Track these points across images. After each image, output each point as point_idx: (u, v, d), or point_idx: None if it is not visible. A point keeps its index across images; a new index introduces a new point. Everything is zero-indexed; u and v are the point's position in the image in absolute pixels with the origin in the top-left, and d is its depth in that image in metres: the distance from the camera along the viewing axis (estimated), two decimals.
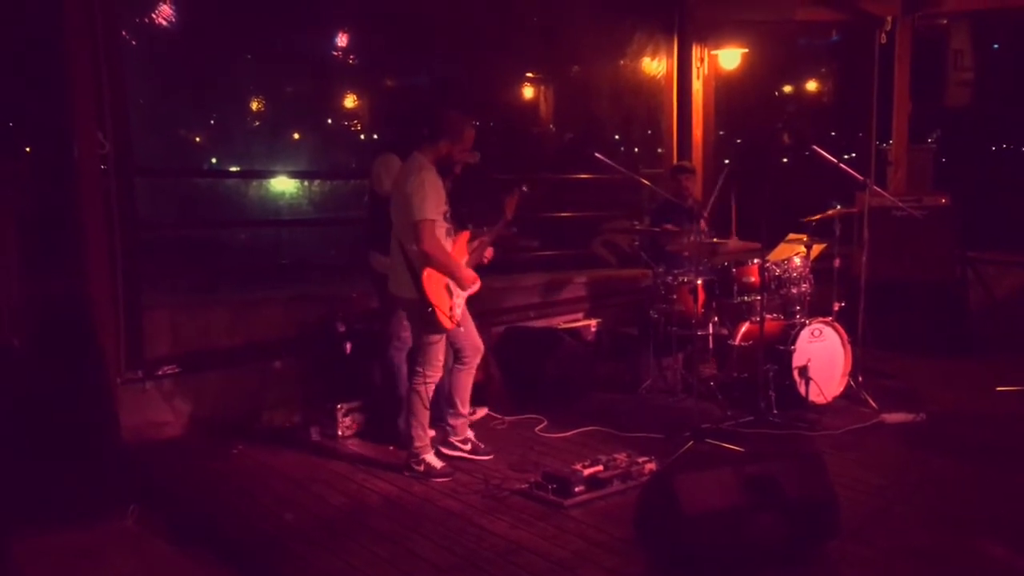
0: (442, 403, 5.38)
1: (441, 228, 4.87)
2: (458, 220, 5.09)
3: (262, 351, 6.09)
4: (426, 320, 4.84)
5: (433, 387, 5.02)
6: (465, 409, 5.28)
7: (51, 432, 4.47)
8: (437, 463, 4.98)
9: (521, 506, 4.53)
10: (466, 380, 5.24)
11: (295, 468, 5.20)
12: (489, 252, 5.29)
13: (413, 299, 4.85)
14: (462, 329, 5.09)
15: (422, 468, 4.95)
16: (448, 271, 4.85)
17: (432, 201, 4.74)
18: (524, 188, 5.33)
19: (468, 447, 5.29)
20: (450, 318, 4.89)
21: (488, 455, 5.25)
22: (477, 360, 5.24)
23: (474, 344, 5.20)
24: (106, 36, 5.23)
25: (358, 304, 6.32)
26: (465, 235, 5.13)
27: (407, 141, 5.22)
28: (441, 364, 5.01)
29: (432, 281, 4.80)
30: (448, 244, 4.93)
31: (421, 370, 4.96)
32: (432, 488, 4.81)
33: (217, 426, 5.85)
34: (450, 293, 4.91)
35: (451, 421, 5.28)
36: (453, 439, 5.27)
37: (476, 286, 5.09)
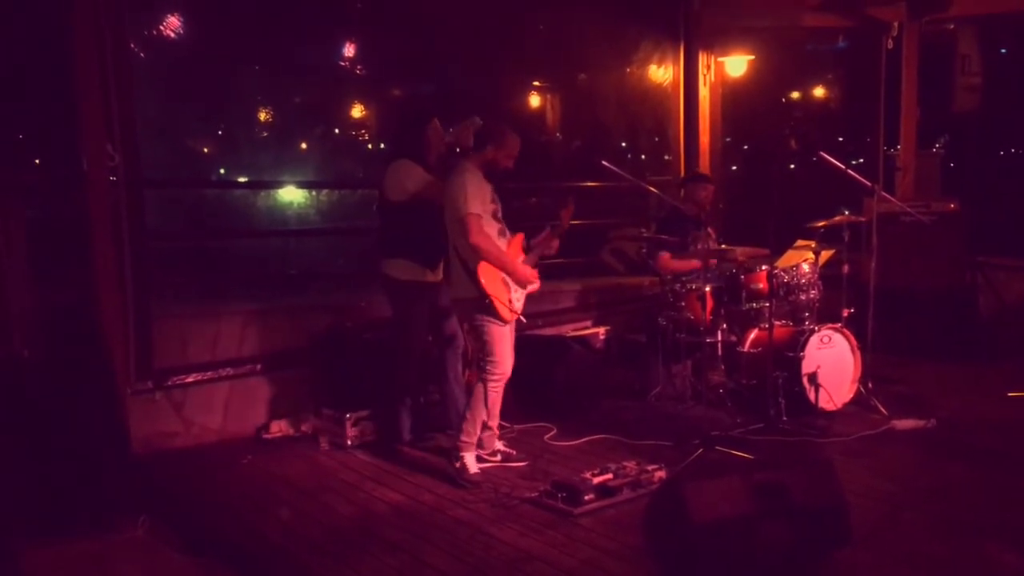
0: (452, 415, 5.41)
1: (492, 227, 4.95)
2: (510, 225, 5.16)
3: (270, 360, 6.11)
4: (487, 313, 4.90)
5: (503, 387, 5.06)
6: (493, 422, 5.30)
7: (61, 442, 4.48)
8: (472, 467, 5.01)
9: (531, 515, 4.53)
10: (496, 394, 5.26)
11: (304, 477, 5.20)
12: (555, 245, 5.31)
13: (472, 296, 4.91)
14: (523, 320, 5.15)
15: (458, 464, 5.00)
16: (500, 263, 4.92)
17: (476, 197, 4.84)
18: (572, 198, 5.40)
19: (498, 458, 5.32)
20: (510, 309, 4.97)
21: (522, 461, 5.29)
22: (508, 373, 5.24)
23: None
24: (115, 49, 5.27)
25: (367, 313, 6.33)
26: (520, 237, 5.20)
27: (415, 147, 5.26)
28: (508, 362, 5.04)
29: (487, 274, 4.87)
30: (502, 243, 5.00)
31: (490, 368, 4.99)
32: (441, 497, 4.81)
33: (226, 436, 5.87)
34: (508, 286, 4.98)
35: (481, 435, 5.29)
36: (482, 452, 5.29)
37: (535, 285, 5.17)
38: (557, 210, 5.31)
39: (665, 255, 6.46)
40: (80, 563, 4.04)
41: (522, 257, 5.16)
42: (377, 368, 5.84)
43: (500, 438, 5.45)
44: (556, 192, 9.15)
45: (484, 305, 4.88)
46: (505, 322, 4.99)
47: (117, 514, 4.38)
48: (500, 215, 5.07)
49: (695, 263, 6.25)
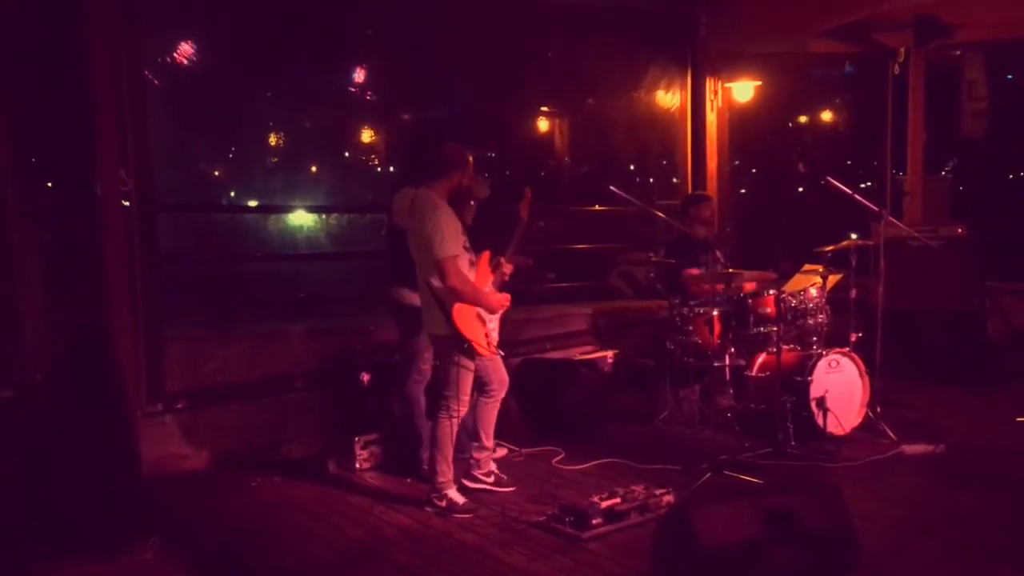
0: (463, 437, 5.41)
1: (464, 261, 4.92)
2: (477, 245, 5.14)
3: (281, 384, 6.14)
4: (464, 354, 4.88)
5: (459, 422, 5.03)
6: (490, 442, 5.30)
7: (72, 465, 4.51)
8: (459, 499, 4.98)
9: (538, 539, 4.53)
10: (491, 413, 5.25)
11: (314, 501, 5.22)
12: (509, 268, 5.27)
13: (448, 335, 4.87)
14: (501, 353, 5.13)
15: (444, 504, 4.95)
16: (476, 301, 4.89)
17: (451, 238, 4.80)
18: (530, 188, 5.38)
19: (491, 479, 5.30)
20: (487, 346, 4.94)
21: (511, 487, 5.26)
22: (503, 393, 5.26)
23: (500, 377, 5.22)
24: (129, 74, 5.34)
25: (376, 337, 6.36)
26: (485, 256, 5.17)
27: (419, 174, 5.31)
28: (468, 398, 5.03)
29: (463, 315, 4.83)
30: (471, 273, 4.97)
31: (450, 404, 4.96)
32: (450, 521, 4.82)
33: (236, 459, 5.89)
34: (483, 321, 4.96)
35: (475, 455, 5.30)
36: (476, 472, 5.29)
37: (506, 307, 5.13)
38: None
39: (693, 270, 6.47)
40: None
41: (490, 280, 5.13)
42: (386, 391, 5.86)
43: (495, 462, 5.44)
44: (563, 217, 9.20)
45: (463, 348, 4.85)
46: (480, 358, 4.98)
47: (128, 536, 4.40)
48: (469, 245, 5.02)
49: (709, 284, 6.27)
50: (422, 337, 5.33)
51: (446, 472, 4.99)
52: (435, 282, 4.82)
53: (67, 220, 5.35)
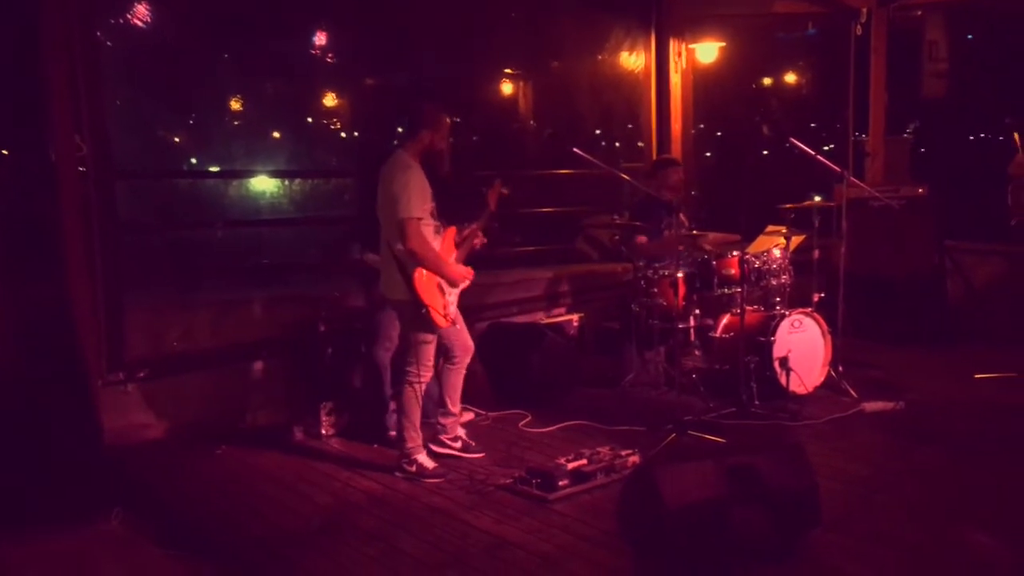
0: (429, 405, 5.40)
1: (429, 226, 4.88)
2: (444, 218, 5.09)
3: (244, 351, 6.08)
4: (421, 320, 4.85)
5: (424, 387, 5.02)
6: (456, 408, 5.29)
7: (32, 435, 4.45)
8: (429, 464, 4.98)
9: (506, 501, 4.55)
10: (456, 379, 5.24)
11: (279, 468, 5.20)
12: (479, 239, 5.26)
13: (406, 300, 4.85)
14: (457, 327, 5.10)
15: (414, 469, 4.95)
16: (436, 268, 4.85)
17: (417, 199, 4.75)
18: (500, 181, 5.35)
19: (459, 445, 5.30)
20: (444, 316, 4.91)
21: (479, 453, 5.27)
22: (467, 360, 5.25)
23: (464, 344, 5.20)
24: (82, 37, 5.20)
25: (340, 304, 6.31)
26: (452, 231, 5.14)
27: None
28: (432, 364, 5.02)
29: (424, 281, 4.80)
30: (436, 242, 4.93)
31: (413, 370, 4.95)
32: (417, 485, 4.83)
33: (200, 427, 5.84)
34: (443, 292, 4.92)
35: (442, 420, 5.30)
36: (443, 437, 5.29)
37: (467, 281, 5.10)
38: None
39: (642, 239, 6.49)
40: (55, 558, 4.02)
41: (454, 254, 5.10)
42: (351, 358, 5.84)
43: (463, 426, 5.46)
44: (528, 180, 9.15)
45: (419, 314, 4.82)
46: (438, 331, 4.97)
47: (91, 507, 4.35)
48: (436, 212, 4.97)
49: (671, 247, 6.28)
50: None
51: (415, 438, 4.99)
52: (398, 245, 4.78)
53: (20, 188, 5.22)
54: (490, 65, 11.11)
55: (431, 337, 4.95)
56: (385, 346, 5.54)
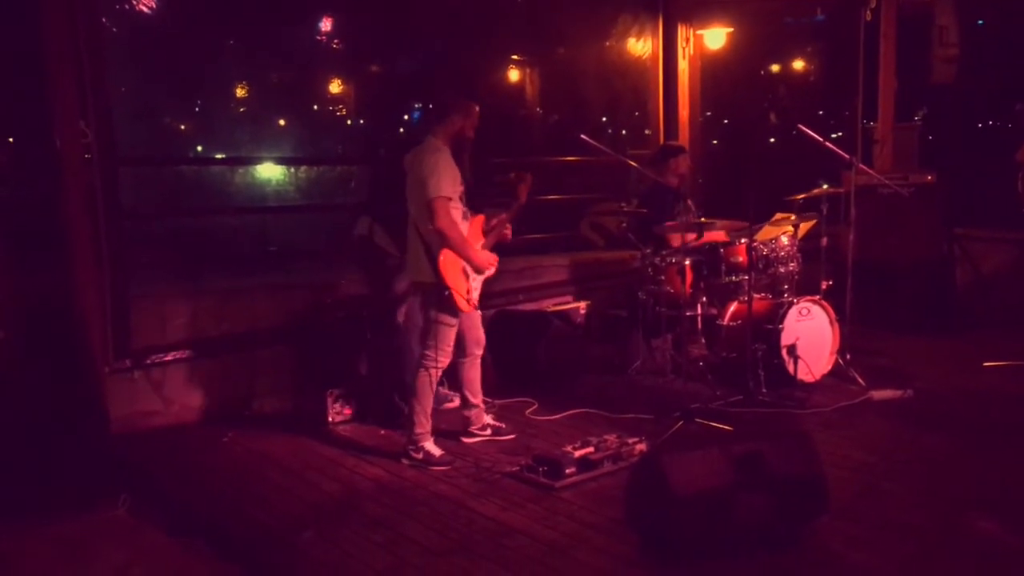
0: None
1: (457, 210, 4.90)
2: (472, 204, 5.11)
3: (251, 338, 6.07)
4: (443, 304, 4.86)
5: (440, 373, 5.02)
6: (477, 399, 5.32)
7: (39, 423, 4.46)
8: (436, 451, 4.97)
9: (512, 489, 4.54)
10: (473, 373, 5.27)
11: (286, 455, 5.20)
12: (508, 231, 5.28)
13: (431, 283, 4.86)
14: (472, 318, 5.12)
15: (420, 456, 4.94)
16: (462, 251, 4.86)
17: (447, 180, 4.78)
18: (531, 174, 5.39)
19: (488, 432, 5.34)
20: (467, 301, 4.93)
21: (510, 435, 5.33)
22: (479, 352, 5.26)
23: (476, 337, 5.21)
24: (86, 22, 5.18)
25: (347, 290, 6.31)
26: (480, 219, 5.15)
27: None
28: (451, 350, 5.01)
29: (449, 264, 4.82)
30: (464, 227, 4.95)
31: (431, 354, 4.94)
32: (423, 473, 4.82)
33: (207, 414, 5.85)
34: (467, 276, 4.94)
35: (465, 413, 5.33)
36: (472, 428, 5.32)
37: (492, 269, 5.12)
38: (515, 186, 5.26)
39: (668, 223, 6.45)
40: (63, 544, 4.03)
41: (481, 241, 5.11)
42: (357, 345, 5.83)
43: (487, 412, 5.46)
44: (536, 167, 9.12)
45: (443, 297, 4.83)
46: (460, 314, 4.97)
47: (98, 494, 4.36)
48: (464, 197, 5.00)
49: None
50: (397, 288, 5.31)
51: (424, 424, 4.98)
52: (427, 225, 4.79)
53: (27, 175, 5.22)
54: (496, 52, 11.07)
55: (453, 321, 4.94)
56: (415, 333, 5.54)
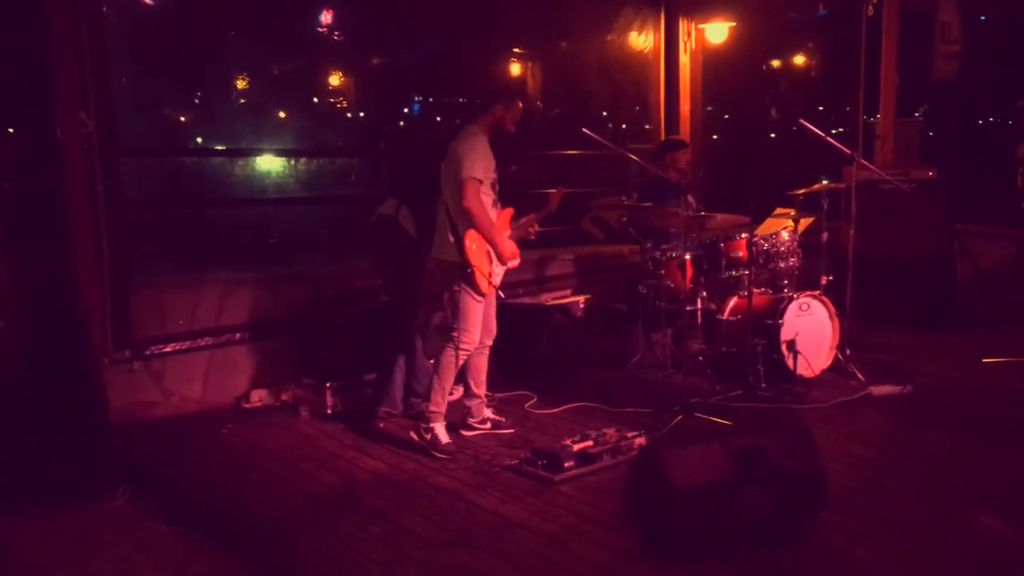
0: (412, 383, 5.51)
1: (488, 197, 4.95)
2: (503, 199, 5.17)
3: (250, 330, 6.08)
4: (467, 282, 4.90)
5: (465, 355, 5.05)
6: (480, 390, 5.34)
7: (39, 414, 4.45)
8: (443, 438, 4.99)
9: (511, 482, 4.55)
10: (480, 362, 5.28)
11: (285, 447, 5.20)
12: (535, 228, 5.38)
13: (455, 262, 4.91)
14: (494, 303, 5.18)
15: (428, 437, 4.98)
16: (488, 234, 4.91)
17: (480, 164, 4.86)
18: (562, 186, 5.55)
19: (488, 425, 5.35)
20: (489, 282, 4.98)
21: (510, 428, 5.34)
22: (489, 343, 5.29)
23: (489, 327, 5.23)
24: (88, 13, 5.17)
25: (347, 282, 6.30)
26: (509, 212, 5.22)
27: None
28: (476, 332, 5.03)
29: (475, 244, 4.88)
30: (493, 214, 5.00)
31: (456, 334, 4.98)
32: (422, 465, 4.82)
33: (206, 405, 5.85)
34: (490, 260, 5.00)
35: (467, 403, 5.35)
36: (472, 421, 5.33)
37: (515, 262, 5.16)
38: (541, 182, 5.33)
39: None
40: (63, 535, 4.03)
41: (508, 232, 5.16)
42: (353, 337, 5.83)
43: (488, 405, 5.47)
44: (537, 160, 9.12)
45: (465, 274, 4.88)
46: (483, 295, 4.99)
47: (98, 485, 4.37)
48: (497, 187, 5.07)
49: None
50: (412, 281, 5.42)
51: (440, 403, 5.01)
52: (458, 204, 4.85)
53: (26, 165, 5.20)
54: (498, 44, 11.04)
55: (479, 299, 4.98)
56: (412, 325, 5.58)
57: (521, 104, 5.19)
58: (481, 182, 4.86)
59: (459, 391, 5.84)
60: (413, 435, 5.02)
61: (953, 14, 8.75)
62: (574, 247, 8.29)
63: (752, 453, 3.76)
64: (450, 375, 5.01)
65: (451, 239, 4.93)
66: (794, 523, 3.84)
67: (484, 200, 4.90)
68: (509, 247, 5.08)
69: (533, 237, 5.40)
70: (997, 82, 12.38)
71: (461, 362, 5.03)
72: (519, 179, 9.14)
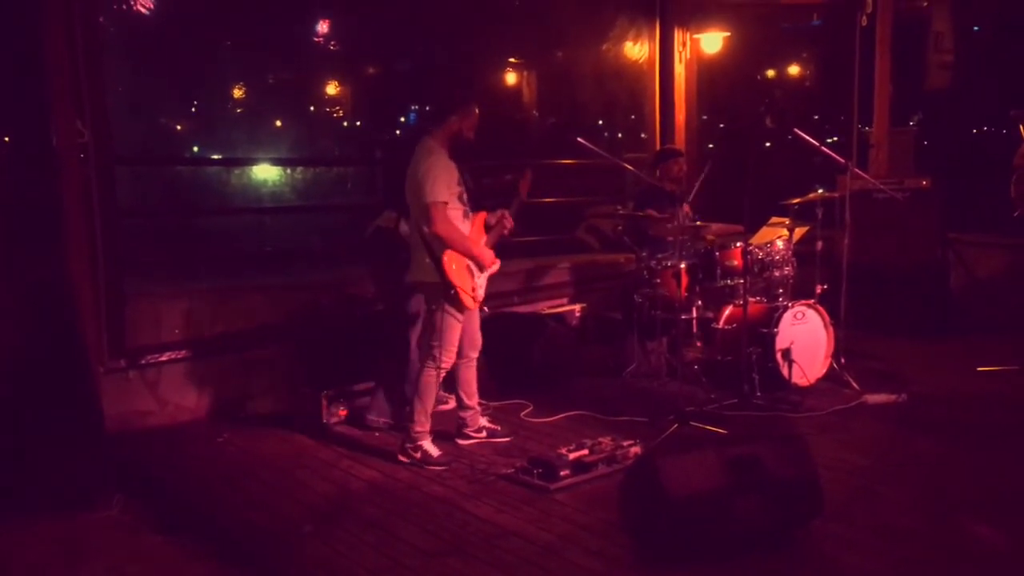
0: (407, 391, 5.40)
1: (457, 210, 4.89)
2: (474, 202, 5.09)
3: (246, 339, 6.07)
4: (449, 302, 4.85)
5: (444, 373, 5.00)
6: (472, 401, 5.32)
7: (33, 422, 4.44)
8: (434, 451, 4.96)
9: (507, 491, 4.54)
10: (468, 374, 5.26)
11: (281, 456, 5.19)
12: (509, 222, 5.22)
13: (434, 282, 4.84)
14: (477, 315, 5.13)
15: (419, 455, 4.93)
16: (465, 250, 4.86)
17: (442, 183, 4.76)
18: (530, 171, 5.40)
19: (484, 434, 5.33)
20: (473, 298, 4.93)
21: (506, 437, 5.31)
22: (475, 355, 5.26)
23: (473, 338, 5.20)
24: (84, 22, 5.18)
25: (342, 291, 6.31)
26: (482, 216, 5.14)
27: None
28: (455, 349, 5.00)
29: (453, 263, 4.81)
30: (465, 226, 4.94)
31: (437, 353, 4.91)
32: (417, 474, 4.82)
33: (202, 414, 5.85)
34: (472, 274, 4.94)
35: (461, 415, 5.32)
36: (467, 430, 5.31)
37: (495, 266, 5.12)
38: (516, 183, 5.27)
39: (650, 211, 6.46)
40: (57, 543, 4.02)
41: (484, 238, 5.11)
42: (352, 347, 5.83)
43: (483, 414, 5.46)
44: (532, 170, 9.12)
45: (448, 295, 4.82)
46: (467, 311, 4.97)
47: (92, 493, 4.35)
48: (465, 197, 4.99)
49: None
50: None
51: (424, 423, 4.97)
52: (425, 228, 4.78)
53: (23, 173, 5.20)
54: (494, 54, 11.08)
55: (459, 318, 4.94)
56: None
57: (478, 108, 4.99)
58: (447, 203, 4.77)
59: (452, 400, 5.85)
60: (402, 458, 4.97)
61: (947, 24, 8.80)
62: (569, 256, 8.30)
63: (747, 461, 3.76)
64: (431, 394, 4.96)
65: (428, 260, 4.82)
66: (789, 531, 3.85)
67: (454, 215, 4.83)
68: (488, 255, 5.02)
69: (508, 233, 5.23)
70: (991, 91, 12.41)
71: (440, 379, 4.98)
72: (513, 187, 9.16)
